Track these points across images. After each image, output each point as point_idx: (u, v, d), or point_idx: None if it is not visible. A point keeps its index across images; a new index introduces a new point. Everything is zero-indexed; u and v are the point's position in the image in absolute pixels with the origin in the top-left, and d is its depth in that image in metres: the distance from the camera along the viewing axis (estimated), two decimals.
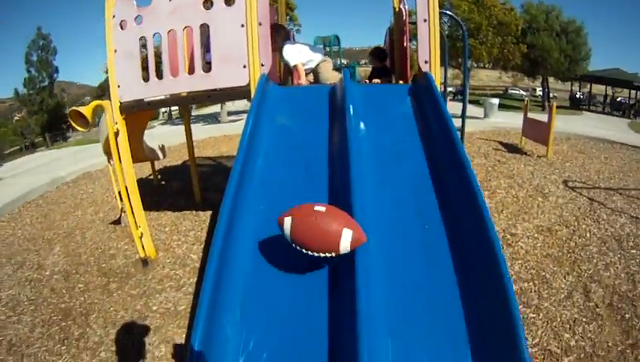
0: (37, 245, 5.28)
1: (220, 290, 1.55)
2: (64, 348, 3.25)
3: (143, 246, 4.22)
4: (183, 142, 11.28)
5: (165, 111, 27.31)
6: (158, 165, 7.99)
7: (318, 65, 3.92)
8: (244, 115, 15.58)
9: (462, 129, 3.68)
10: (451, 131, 2.14)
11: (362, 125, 2.51)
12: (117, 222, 5.68)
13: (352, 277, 1.52)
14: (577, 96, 30.90)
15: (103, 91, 61.91)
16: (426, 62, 2.94)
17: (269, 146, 2.36)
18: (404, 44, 3.96)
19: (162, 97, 3.67)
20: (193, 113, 23.85)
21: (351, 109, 2.46)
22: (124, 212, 5.62)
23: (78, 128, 3.64)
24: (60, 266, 4.60)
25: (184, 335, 3.25)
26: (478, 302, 1.56)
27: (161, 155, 7.14)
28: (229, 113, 18.90)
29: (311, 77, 3.97)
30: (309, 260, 1.68)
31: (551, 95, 30.97)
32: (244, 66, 3.06)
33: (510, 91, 37.74)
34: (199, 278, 4.04)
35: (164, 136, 8.94)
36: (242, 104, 23.57)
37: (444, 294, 1.61)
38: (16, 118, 45.06)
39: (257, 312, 1.61)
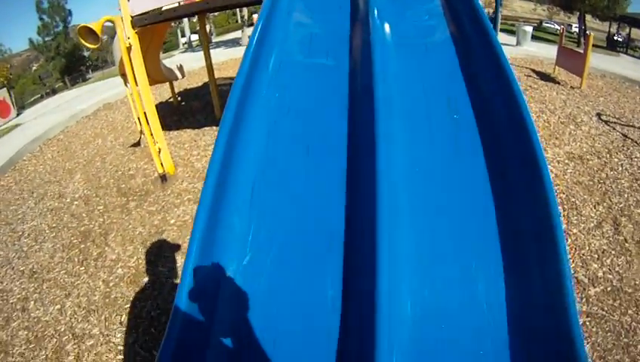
0: (58, 176, 5.39)
1: (228, 173, 1.45)
2: (82, 268, 3.36)
3: (161, 163, 4.22)
4: (203, 66, 11.13)
5: (185, 42, 26.81)
6: (177, 88, 7.91)
7: None
8: None
9: (495, 23, 3.39)
10: (485, 25, 1.90)
11: (387, 26, 2.26)
12: (136, 144, 5.74)
13: (373, 170, 1.38)
14: (615, 38, 28.97)
15: None
16: None
17: (283, 43, 2.15)
18: None
19: (175, 5, 3.45)
20: (214, 40, 23.36)
21: (375, 12, 2.22)
22: (144, 133, 5.67)
23: (88, 45, 3.53)
24: (80, 192, 4.69)
25: None
26: (514, 203, 1.42)
27: (179, 75, 7.03)
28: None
29: None
30: (327, 153, 1.57)
31: (588, 33, 29.08)
32: None
33: (545, 24, 35.35)
34: None
35: (185, 62, 8.80)
36: None
37: (474, 190, 1.48)
38: (34, 68, 45.02)
39: (268, 205, 1.50)
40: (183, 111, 6.94)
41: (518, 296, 1.26)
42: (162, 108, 7.06)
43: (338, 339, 1.23)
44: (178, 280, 2.87)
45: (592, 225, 3.28)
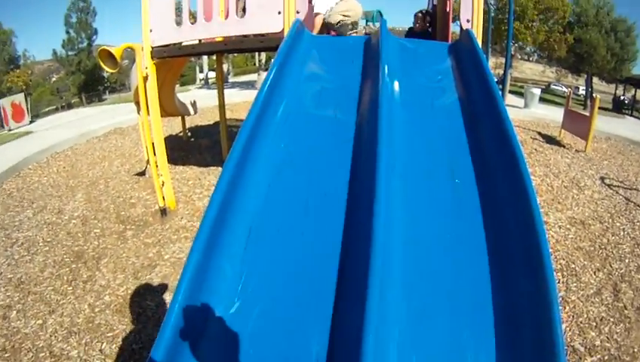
0: (60, 191, 5.40)
1: (224, 219, 1.44)
2: (70, 288, 3.32)
3: (163, 196, 4.23)
4: (217, 104, 11.36)
5: (202, 78, 27.42)
6: (189, 123, 8.02)
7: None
8: None
9: (504, 85, 3.49)
10: (493, 90, 1.95)
11: (397, 85, 2.31)
12: (142, 173, 5.75)
13: (370, 231, 1.36)
14: (621, 98, 29.45)
15: None
16: (468, 20, 2.75)
17: (294, 92, 2.19)
18: (447, 9, 3.74)
19: (194, 42, 3.58)
20: (230, 80, 23.89)
21: (386, 69, 2.26)
22: (150, 164, 5.70)
23: (107, 69, 3.63)
24: (79, 211, 4.69)
25: None
26: (510, 267, 1.40)
27: (192, 110, 7.15)
28: None
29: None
30: (324, 205, 1.57)
31: (594, 95, 29.66)
32: (279, 12, 2.92)
33: (553, 87, 36.09)
34: None
35: (199, 99, 8.98)
36: None
37: (472, 253, 1.47)
38: (53, 79, 46.14)
39: (261, 256, 1.49)
40: (191, 148, 7.03)
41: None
42: (171, 142, 7.16)
43: None
44: (164, 317, 2.83)
45: (592, 291, 3.23)
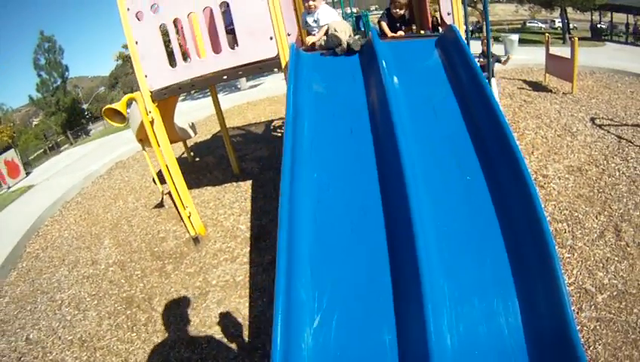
0: (86, 242, 5.48)
1: (291, 260, 1.73)
2: (134, 334, 3.49)
3: (192, 225, 4.44)
4: (207, 115, 11.31)
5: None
6: (189, 142, 8.10)
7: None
8: (263, 79, 15.18)
9: (488, 72, 3.68)
10: (483, 85, 2.24)
11: (396, 79, 2.60)
12: (160, 205, 5.89)
13: (409, 226, 1.70)
14: (598, 26, 29.44)
15: (116, 79, 62.21)
16: (448, 13, 2.99)
17: (312, 116, 2.49)
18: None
19: (189, 78, 3.75)
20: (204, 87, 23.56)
21: (384, 63, 2.57)
22: (165, 194, 5.88)
23: (115, 124, 3.82)
24: (113, 258, 4.82)
25: (247, 304, 3.48)
26: (520, 245, 1.72)
27: (192, 133, 7.24)
28: (248, 79, 18.77)
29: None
30: (365, 219, 1.86)
31: (571, 26, 29.59)
32: (271, 38, 3.13)
33: (528, 24, 36.04)
34: (251, 248, 4.27)
35: (187, 113, 8.92)
36: None
37: (488, 238, 1.78)
38: (34, 122, 45.86)
39: (324, 274, 1.79)
40: (199, 168, 7.10)
41: (530, 324, 1.58)
42: (179, 165, 7.16)
43: None
44: (235, 339, 3.11)
45: (595, 235, 3.52)
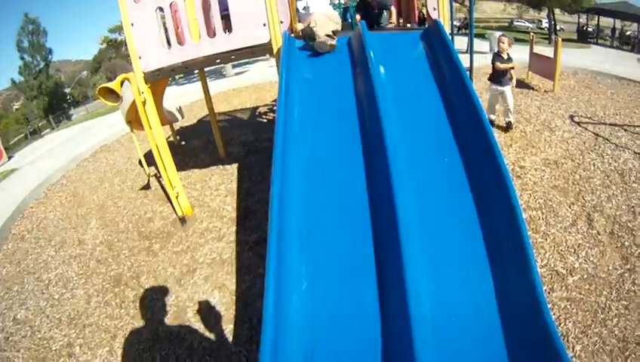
0: (72, 223, 5.51)
1: (282, 227, 1.85)
2: (123, 311, 3.58)
3: (179, 205, 4.54)
4: (192, 100, 11.37)
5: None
6: (175, 126, 8.13)
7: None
8: (248, 67, 15.25)
9: (470, 67, 3.82)
10: (464, 78, 2.40)
11: (382, 69, 2.75)
12: (146, 187, 5.95)
13: (391, 200, 1.87)
14: (585, 28, 30.04)
15: (99, 63, 61.07)
16: (434, 9, 3.13)
17: (303, 100, 2.62)
18: None
19: (181, 61, 3.82)
20: (196, 71, 23.43)
21: (372, 54, 2.72)
22: (152, 176, 5.92)
23: (109, 103, 3.86)
24: (100, 238, 4.88)
25: (234, 280, 3.59)
26: (494, 224, 1.89)
27: (179, 116, 7.30)
28: (233, 65, 18.73)
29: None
30: (350, 192, 2.00)
31: (558, 27, 30.14)
32: (264, 25, 3.23)
33: (515, 23, 36.52)
34: (238, 227, 4.37)
35: (172, 98, 8.87)
36: None
37: (464, 213, 1.96)
38: (15, 106, 44.86)
39: (312, 243, 1.93)
40: (186, 151, 7.15)
41: (502, 290, 1.74)
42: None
43: (380, 326, 1.68)
44: (222, 313, 3.24)
45: (568, 223, 3.71)
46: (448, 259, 1.81)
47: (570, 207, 3.92)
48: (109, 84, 3.75)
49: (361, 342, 1.65)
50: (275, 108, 9.17)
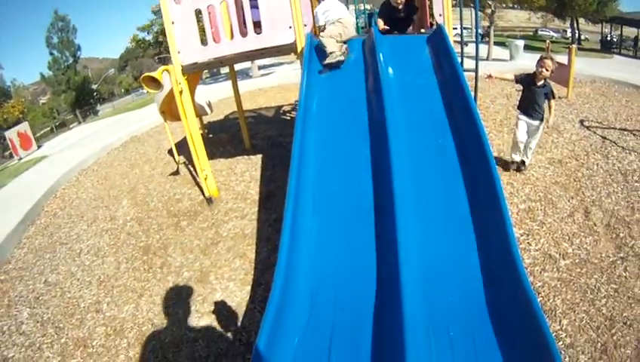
0: (104, 202, 5.92)
1: (299, 193, 2.24)
2: (150, 275, 3.97)
3: (207, 187, 4.96)
4: (219, 98, 11.85)
5: None
6: (204, 120, 8.54)
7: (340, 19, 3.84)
8: (274, 69, 16.03)
9: (475, 71, 4.13)
10: (460, 75, 2.84)
11: (390, 69, 3.14)
12: (176, 173, 6.37)
13: (389, 169, 2.22)
14: (608, 38, 29.70)
15: (126, 62, 62.63)
16: (440, 15, 3.52)
17: (321, 92, 3.03)
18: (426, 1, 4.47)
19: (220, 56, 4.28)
20: (222, 71, 24.13)
21: (381, 56, 3.11)
22: (181, 164, 6.34)
23: (151, 91, 4.30)
24: (131, 215, 5.28)
25: (254, 250, 3.98)
26: (476, 188, 2.26)
27: (209, 110, 7.76)
28: (260, 67, 19.33)
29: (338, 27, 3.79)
30: (356, 163, 2.38)
31: (583, 37, 29.93)
32: (290, 27, 3.66)
33: (540, 32, 36.31)
34: (260, 208, 4.76)
35: (200, 96, 9.29)
36: (271, 59, 24.14)
37: (452, 184, 2.33)
38: (42, 101, 46.37)
39: (322, 200, 2.33)
40: (213, 143, 7.53)
41: (481, 245, 2.08)
42: None
43: (376, 273, 2.03)
44: (242, 276, 3.63)
45: (565, 214, 3.95)
46: (436, 222, 2.17)
47: (569, 201, 4.16)
48: (152, 73, 4.17)
49: (359, 285, 2.00)
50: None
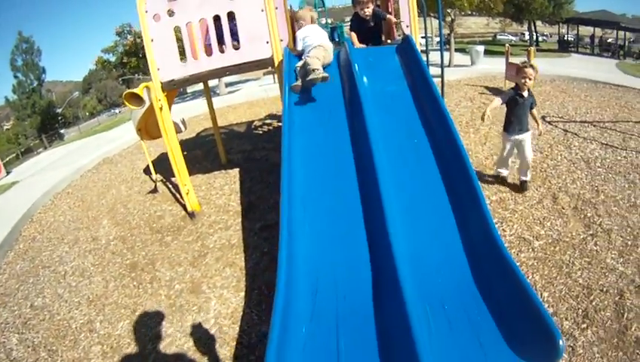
0: (84, 223, 5.82)
1: (291, 192, 2.39)
2: (140, 290, 3.96)
3: (189, 201, 5.02)
4: (189, 117, 11.65)
5: None
6: (178, 137, 8.49)
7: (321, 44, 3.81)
8: (240, 86, 16.02)
9: (442, 76, 4.43)
10: (428, 79, 3.11)
11: (365, 78, 3.35)
12: (154, 191, 6.36)
13: (373, 170, 2.41)
14: (566, 38, 31.21)
15: (89, 84, 61.46)
16: (407, 26, 3.82)
17: (302, 101, 3.21)
18: (390, 10, 4.72)
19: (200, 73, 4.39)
20: (189, 90, 23.99)
21: (356, 67, 3.33)
22: (159, 181, 6.34)
23: (132, 107, 4.36)
24: (113, 234, 5.22)
25: (243, 258, 4.06)
26: (453, 180, 2.48)
27: (183, 128, 7.75)
28: (227, 85, 19.36)
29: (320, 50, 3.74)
30: (340, 164, 2.55)
31: (541, 38, 31.39)
32: (267, 42, 3.84)
33: (499, 37, 37.99)
34: (243, 218, 4.85)
35: (172, 114, 9.26)
36: (236, 76, 24.26)
37: (429, 177, 2.57)
38: (6, 126, 44.93)
39: (311, 197, 2.49)
40: (189, 159, 7.29)
41: (465, 233, 2.26)
42: (167, 159, 7.65)
43: (370, 264, 2.18)
44: (234, 283, 3.72)
45: (535, 201, 4.25)
46: (420, 209, 2.37)
47: (537, 190, 4.46)
48: (134, 90, 4.24)
49: (356, 273, 2.15)
50: (268, 121, 9.82)
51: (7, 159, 23.98)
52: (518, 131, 4.27)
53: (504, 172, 4.66)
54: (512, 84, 7.33)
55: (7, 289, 4.59)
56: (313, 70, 3.28)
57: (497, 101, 4.17)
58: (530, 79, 4.03)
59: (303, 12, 3.96)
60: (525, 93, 4.18)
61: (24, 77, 31.58)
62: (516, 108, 4.21)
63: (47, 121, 33.03)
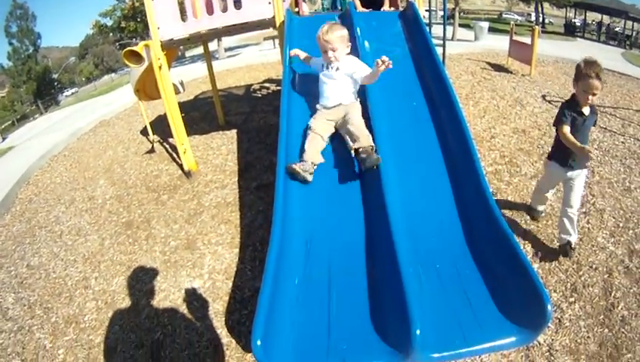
0: (80, 184, 5.80)
1: (288, 151, 2.43)
2: (136, 247, 3.99)
3: (186, 160, 5.03)
4: (186, 81, 11.54)
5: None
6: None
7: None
8: (240, 50, 15.79)
9: (443, 46, 4.39)
10: (430, 45, 3.10)
11: (367, 43, 3.34)
12: (151, 151, 6.33)
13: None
14: (572, 22, 30.73)
15: (86, 50, 60.30)
16: None
17: (300, 65, 3.19)
18: None
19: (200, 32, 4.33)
20: (187, 54, 23.50)
21: (358, 31, 3.32)
22: (156, 142, 6.32)
23: (132, 65, 4.30)
24: (110, 194, 5.23)
25: (238, 216, 4.10)
26: (450, 145, 2.49)
27: (181, 89, 7.67)
28: (226, 49, 19.06)
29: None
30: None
31: (547, 21, 30.90)
32: (269, 2, 3.79)
33: (505, 15, 37.41)
34: (239, 178, 4.87)
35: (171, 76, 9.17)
36: (236, 39, 23.99)
37: (428, 143, 2.57)
38: (1, 94, 44.28)
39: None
40: (187, 121, 7.23)
41: (459, 198, 2.28)
42: (165, 120, 7.64)
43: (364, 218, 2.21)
44: (229, 240, 3.76)
45: (530, 176, 4.28)
46: (415, 169, 2.40)
47: (532, 165, 4.48)
48: (134, 47, 4.16)
49: (350, 228, 2.18)
50: (267, 85, 9.74)
51: (3, 126, 23.81)
52: (566, 164, 3.03)
53: (540, 208, 3.66)
54: (516, 63, 7.55)
55: (3, 250, 4.59)
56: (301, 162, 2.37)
57: (566, 128, 2.86)
58: (594, 93, 2.82)
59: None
60: (587, 110, 2.94)
61: (19, 43, 31.05)
62: (572, 131, 2.89)
63: (43, 87, 32.57)
